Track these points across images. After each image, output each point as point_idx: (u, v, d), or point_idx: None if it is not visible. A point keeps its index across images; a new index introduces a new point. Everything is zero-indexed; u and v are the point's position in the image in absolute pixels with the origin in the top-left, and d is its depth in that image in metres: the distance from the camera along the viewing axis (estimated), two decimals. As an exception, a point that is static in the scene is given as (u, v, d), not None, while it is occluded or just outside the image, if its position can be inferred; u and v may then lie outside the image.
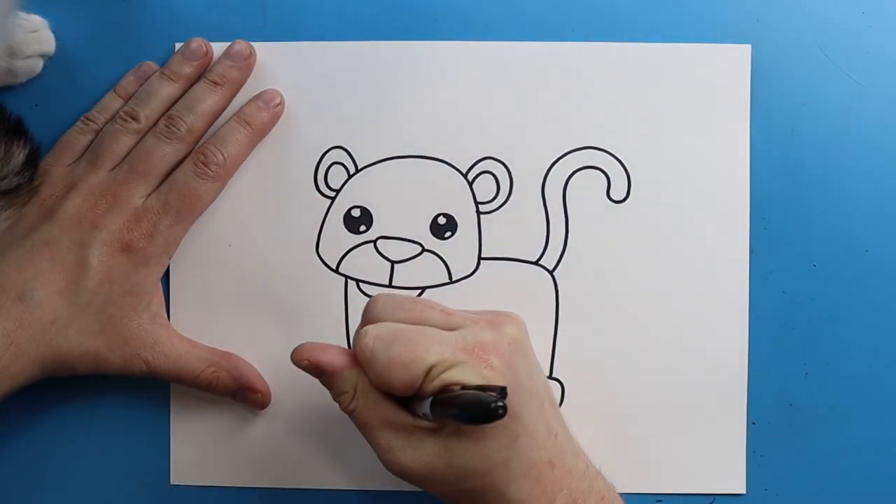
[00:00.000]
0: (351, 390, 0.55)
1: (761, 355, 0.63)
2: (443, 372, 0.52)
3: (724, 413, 0.63)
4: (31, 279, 0.59)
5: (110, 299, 0.60)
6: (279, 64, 0.64)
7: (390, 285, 0.63)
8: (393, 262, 0.63)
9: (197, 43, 0.63)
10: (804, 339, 0.63)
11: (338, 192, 0.64)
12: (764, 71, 0.63)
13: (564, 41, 0.63)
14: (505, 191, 0.63)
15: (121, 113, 0.62)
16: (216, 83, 0.63)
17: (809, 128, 0.63)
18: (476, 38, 0.63)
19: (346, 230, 0.64)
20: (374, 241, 0.63)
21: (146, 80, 0.63)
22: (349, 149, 0.64)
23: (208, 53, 0.63)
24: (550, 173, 0.63)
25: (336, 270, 0.63)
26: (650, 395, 0.63)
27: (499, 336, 0.54)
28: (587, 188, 0.63)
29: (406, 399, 0.54)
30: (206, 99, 0.62)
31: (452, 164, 0.63)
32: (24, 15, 0.62)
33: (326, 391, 0.56)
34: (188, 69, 0.63)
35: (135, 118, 0.62)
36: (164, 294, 0.63)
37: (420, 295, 0.63)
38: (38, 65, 0.64)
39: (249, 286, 0.64)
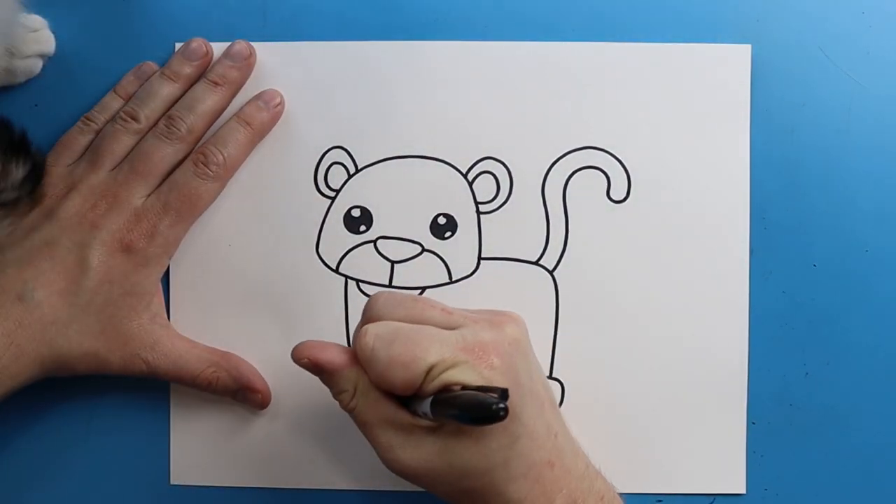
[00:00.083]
0: (351, 389, 0.55)
1: (761, 355, 0.63)
2: (443, 372, 0.52)
3: (724, 413, 0.63)
4: (31, 279, 0.59)
5: (110, 299, 0.60)
6: (279, 64, 0.64)
7: (390, 285, 0.63)
8: (393, 262, 0.63)
9: (197, 43, 0.63)
10: (804, 339, 0.63)
11: (338, 192, 0.64)
12: (764, 71, 0.63)
13: (564, 41, 0.63)
14: (505, 191, 0.63)
15: (121, 113, 0.62)
16: (216, 83, 0.63)
17: (809, 128, 0.63)
18: (476, 38, 0.63)
19: (346, 230, 0.64)
20: (374, 241, 0.63)
21: (146, 80, 0.63)
22: (349, 149, 0.64)
23: (208, 53, 0.63)
24: (550, 173, 0.63)
25: (336, 270, 0.63)
26: (650, 395, 0.63)
27: (499, 336, 0.54)
28: (587, 188, 0.63)
29: (406, 398, 0.54)
30: (206, 99, 0.62)
31: (452, 164, 0.63)
32: (24, 15, 0.62)
33: (326, 391, 0.56)
34: (188, 69, 0.63)
35: (135, 118, 0.62)
36: (164, 294, 0.63)
37: (420, 295, 0.63)
38: (38, 65, 0.64)
39: (249, 286, 0.64)
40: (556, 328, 0.63)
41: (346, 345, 0.62)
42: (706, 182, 0.63)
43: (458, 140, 0.63)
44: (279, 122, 0.64)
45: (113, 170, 0.62)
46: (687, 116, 0.63)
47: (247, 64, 0.63)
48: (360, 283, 0.63)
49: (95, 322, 0.60)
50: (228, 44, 0.63)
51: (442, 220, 0.63)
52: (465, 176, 0.63)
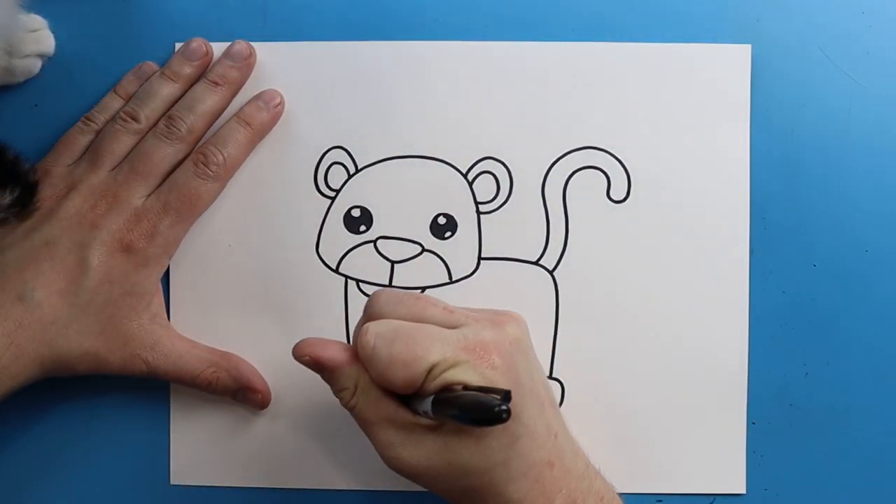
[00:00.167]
0: (352, 386, 0.55)
1: (761, 355, 0.63)
2: (444, 371, 0.52)
3: (724, 413, 0.63)
4: (31, 279, 0.59)
5: (110, 299, 0.60)
6: (279, 64, 0.64)
7: (390, 285, 0.63)
8: (393, 262, 0.63)
9: (197, 43, 0.63)
10: (804, 339, 0.63)
11: (338, 192, 0.64)
12: (764, 71, 0.63)
13: (564, 41, 0.63)
14: (505, 191, 0.63)
15: (121, 113, 0.62)
16: (216, 83, 0.63)
17: (809, 128, 0.63)
18: (476, 38, 0.63)
19: (346, 230, 0.64)
20: (374, 241, 0.63)
21: (146, 80, 0.63)
22: (349, 149, 0.64)
23: (208, 53, 0.63)
24: (550, 173, 0.63)
25: (336, 270, 0.63)
26: (650, 396, 0.63)
27: (500, 335, 0.54)
28: (587, 188, 0.63)
29: (407, 396, 0.54)
30: (206, 99, 0.62)
31: (452, 164, 0.63)
32: (24, 14, 0.62)
33: (326, 391, 0.56)
34: (188, 69, 0.63)
35: (135, 118, 0.62)
36: (164, 294, 0.63)
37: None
38: (37, 65, 0.64)
39: (249, 286, 0.64)
40: (556, 328, 0.63)
41: (346, 344, 0.62)
42: (706, 182, 0.63)
43: (458, 140, 0.63)
44: (279, 122, 0.64)
45: (113, 170, 0.62)
46: (687, 116, 0.63)
47: (247, 64, 0.63)
48: (360, 283, 0.63)
49: (95, 322, 0.60)
50: (228, 44, 0.63)
51: (442, 220, 0.63)
52: (465, 176, 0.63)
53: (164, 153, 0.62)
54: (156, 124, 0.62)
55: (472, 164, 0.63)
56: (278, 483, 0.63)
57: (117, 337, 0.61)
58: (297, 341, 0.56)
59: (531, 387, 0.55)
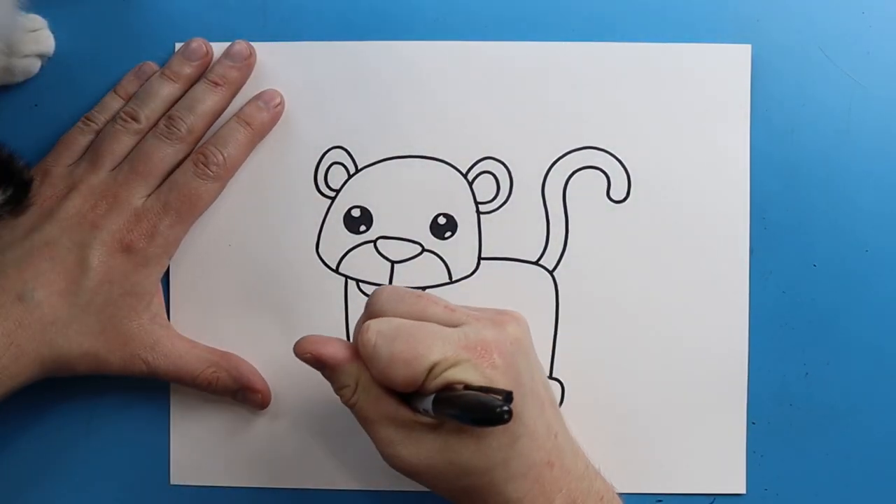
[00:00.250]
0: (353, 384, 0.55)
1: (761, 355, 0.63)
2: (445, 370, 0.52)
3: (724, 413, 0.63)
4: (31, 279, 0.59)
5: (110, 300, 0.60)
6: (279, 64, 0.64)
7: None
8: (393, 262, 0.63)
9: (197, 43, 0.63)
10: (804, 339, 0.63)
11: (338, 192, 0.64)
12: (764, 71, 0.63)
13: (564, 41, 0.63)
14: (505, 191, 0.63)
15: (121, 113, 0.62)
16: (216, 83, 0.63)
17: (809, 128, 0.63)
18: (476, 38, 0.63)
19: (346, 230, 0.64)
20: (374, 241, 0.63)
21: (146, 80, 0.63)
22: (349, 149, 0.64)
23: (208, 53, 0.63)
24: (550, 173, 0.63)
25: (336, 270, 0.63)
26: (650, 395, 0.63)
27: (501, 335, 0.54)
28: (587, 188, 0.63)
29: (407, 394, 0.54)
30: (206, 99, 0.62)
31: (452, 164, 0.63)
32: (23, 14, 0.62)
33: (326, 391, 0.56)
34: (188, 69, 0.63)
35: (135, 118, 0.62)
36: (164, 294, 0.63)
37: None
38: (36, 65, 0.64)
39: (249, 286, 0.64)
40: (556, 328, 0.63)
41: (346, 344, 0.62)
42: (706, 182, 0.63)
43: (458, 140, 0.63)
44: (279, 122, 0.64)
45: (113, 170, 0.62)
46: (687, 116, 0.63)
47: (247, 64, 0.63)
48: (360, 283, 0.63)
49: (95, 322, 0.60)
50: (228, 44, 0.63)
51: (442, 220, 0.63)
52: (465, 176, 0.63)
53: (164, 153, 0.62)
54: (156, 124, 0.62)
55: (472, 164, 0.63)
56: (278, 483, 0.63)
57: (117, 337, 0.61)
58: (296, 341, 0.56)
59: (532, 387, 0.55)
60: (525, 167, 0.63)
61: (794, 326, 0.63)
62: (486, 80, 0.63)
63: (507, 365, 0.53)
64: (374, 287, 0.63)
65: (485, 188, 0.63)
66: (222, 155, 0.62)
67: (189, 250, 0.63)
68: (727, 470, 0.63)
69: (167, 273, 0.63)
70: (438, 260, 0.63)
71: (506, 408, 0.48)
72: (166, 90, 0.63)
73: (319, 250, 0.63)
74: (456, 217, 0.63)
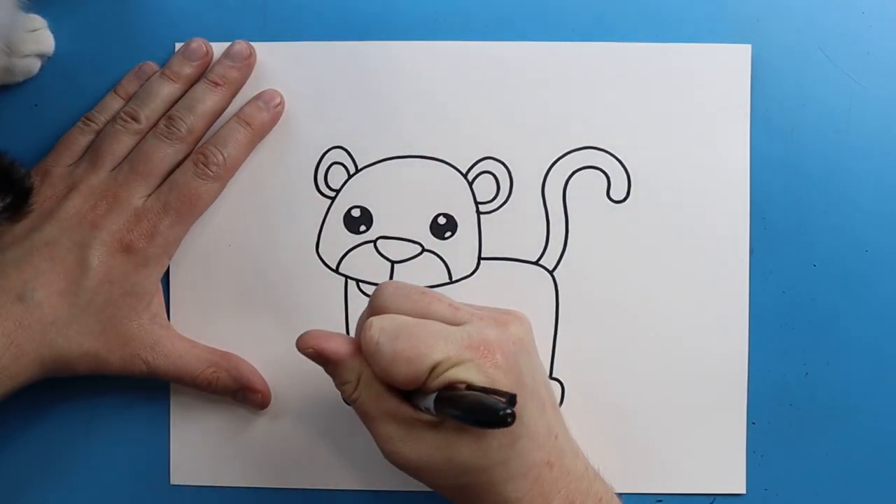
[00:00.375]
0: (354, 380, 0.55)
1: (761, 355, 0.63)
2: (448, 369, 0.52)
3: (724, 413, 0.63)
4: (31, 279, 0.59)
5: (110, 300, 0.60)
6: (279, 64, 0.64)
7: (390, 285, 0.63)
8: (393, 262, 0.63)
9: (197, 43, 0.63)
10: (804, 339, 0.63)
11: (338, 192, 0.64)
12: (764, 71, 0.63)
13: (564, 41, 0.63)
14: (505, 191, 0.63)
15: (121, 113, 0.62)
16: (216, 83, 0.63)
17: (809, 128, 0.63)
18: (476, 38, 0.63)
19: (346, 230, 0.64)
20: (374, 241, 0.63)
21: (146, 80, 0.63)
22: (349, 149, 0.64)
23: (208, 53, 0.63)
24: (550, 173, 0.63)
25: (336, 270, 0.63)
26: (650, 395, 0.63)
27: (504, 335, 0.54)
28: (587, 188, 0.63)
29: (409, 391, 0.54)
30: (207, 99, 0.62)
31: (452, 164, 0.63)
32: (24, 14, 0.62)
33: (326, 391, 0.56)
34: (188, 69, 0.63)
35: (135, 118, 0.62)
36: (164, 294, 0.63)
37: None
38: (36, 65, 0.64)
39: (249, 286, 0.64)
40: (556, 328, 0.63)
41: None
42: (706, 182, 0.63)
43: (458, 140, 0.63)
44: (279, 122, 0.64)
45: (113, 170, 0.62)
46: (687, 116, 0.63)
47: (247, 64, 0.63)
48: (360, 283, 0.63)
49: (95, 322, 0.60)
50: (228, 44, 0.63)
51: (442, 220, 0.63)
52: (465, 176, 0.63)
53: (164, 153, 0.62)
54: (156, 124, 0.62)
55: (472, 164, 0.63)
56: (278, 483, 0.63)
57: (117, 337, 0.61)
58: (299, 335, 0.56)
59: (533, 387, 0.55)
60: (525, 167, 0.63)
61: (794, 326, 0.63)
62: (486, 80, 0.63)
63: (509, 365, 0.53)
64: (374, 287, 0.63)
65: (485, 188, 0.63)
66: (222, 155, 0.62)
67: (189, 250, 0.63)
68: (727, 470, 0.63)
69: (167, 273, 0.63)
70: (438, 260, 0.63)
71: (509, 411, 0.48)
72: (166, 90, 0.63)
73: (319, 250, 0.63)
74: (456, 217, 0.63)
